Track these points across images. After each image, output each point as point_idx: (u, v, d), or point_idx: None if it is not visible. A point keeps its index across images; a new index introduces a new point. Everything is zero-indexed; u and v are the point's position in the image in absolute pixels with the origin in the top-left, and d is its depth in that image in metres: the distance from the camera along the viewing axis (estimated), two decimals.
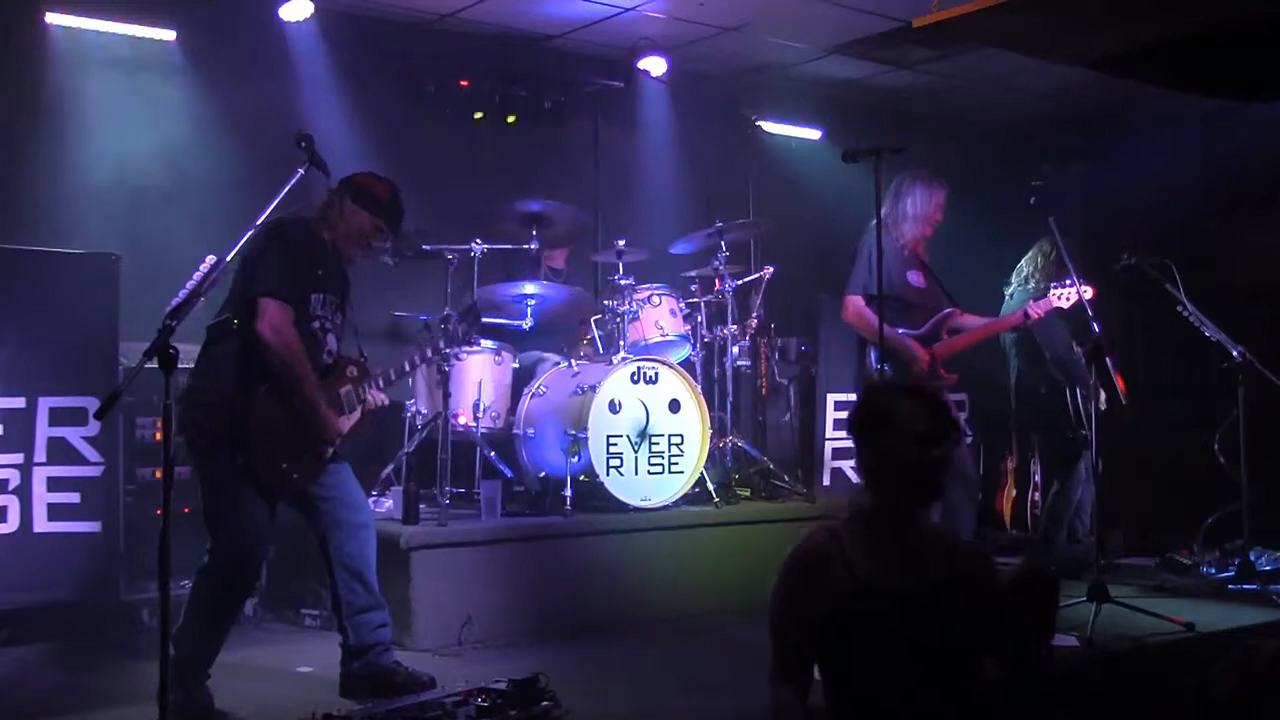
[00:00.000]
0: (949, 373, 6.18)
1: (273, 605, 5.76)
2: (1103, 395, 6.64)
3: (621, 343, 6.46)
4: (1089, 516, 6.93)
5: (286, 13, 6.71)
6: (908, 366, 5.84)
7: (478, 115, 7.63)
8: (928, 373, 5.93)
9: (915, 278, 6.05)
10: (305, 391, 4.30)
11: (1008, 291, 7.04)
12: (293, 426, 4.31)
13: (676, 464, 6.26)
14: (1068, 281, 6.05)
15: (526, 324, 6.53)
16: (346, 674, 4.47)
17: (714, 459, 6.63)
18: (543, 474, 6.23)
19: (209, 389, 4.29)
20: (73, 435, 5.20)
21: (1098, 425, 5.86)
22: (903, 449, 2.89)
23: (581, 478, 6.05)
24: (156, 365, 3.36)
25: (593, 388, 6.03)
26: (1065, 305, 6.12)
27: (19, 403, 5.11)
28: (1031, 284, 6.84)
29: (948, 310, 6.12)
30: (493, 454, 6.26)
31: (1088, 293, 5.97)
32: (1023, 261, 7.02)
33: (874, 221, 5.65)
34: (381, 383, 4.63)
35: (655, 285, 6.81)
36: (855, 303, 5.97)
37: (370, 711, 3.98)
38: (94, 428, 5.20)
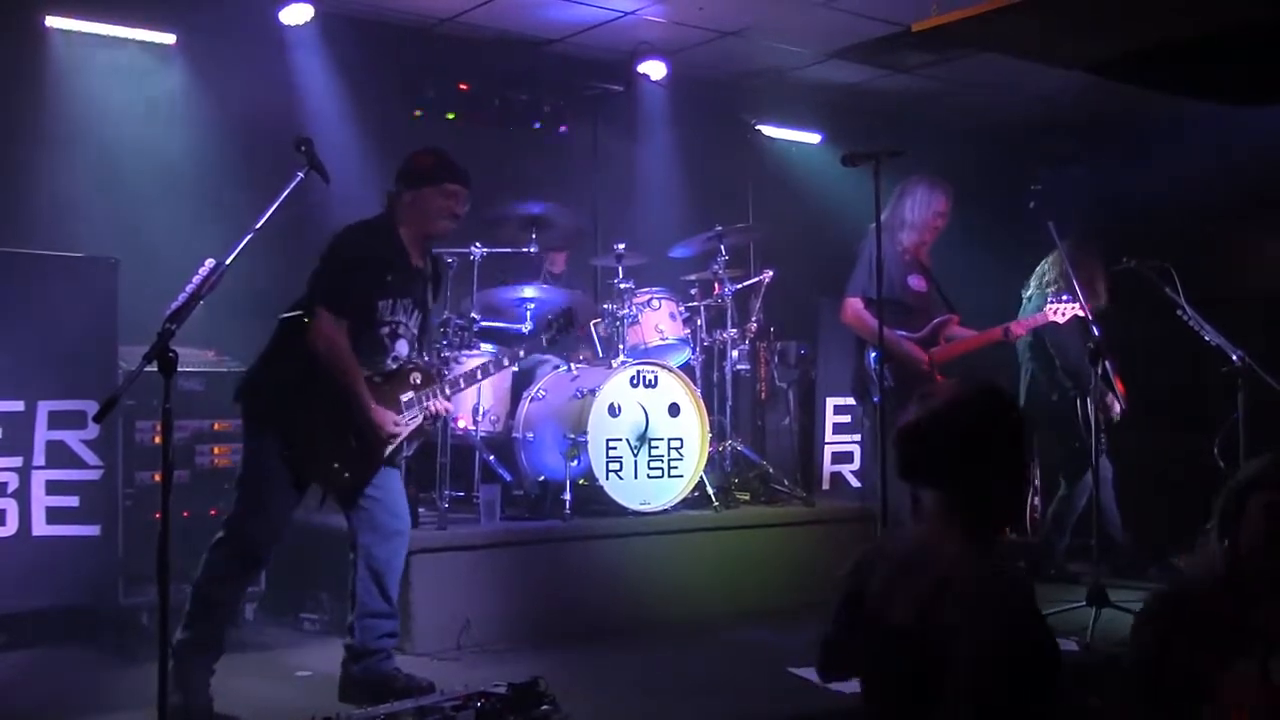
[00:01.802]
0: (943, 378, 6.19)
1: (272, 609, 5.76)
2: (1116, 404, 6.67)
3: (621, 346, 6.46)
4: (1114, 519, 6.98)
5: (287, 16, 6.71)
6: (908, 368, 5.84)
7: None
8: (926, 376, 5.93)
9: (916, 282, 6.06)
10: (355, 396, 4.35)
11: (1025, 294, 7.04)
12: (348, 428, 4.38)
13: (676, 468, 6.26)
14: (1064, 297, 6.06)
15: (526, 327, 6.53)
16: (346, 676, 4.49)
17: (713, 463, 6.62)
18: (542, 478, 6.22)
19: (275, 374, 4.39)
20: (72, 439, 5.20)
21: (1106, 432, 5.87)
22: (1016, 466, 2.60)
23: (581, 481, 6.05)
24: (156, 369, 3.36)
25: (592, 391, 6.03)
26: (1060, 320, 6.13)
27: (18, 406, 5.11)
28: (1050, 290, 6.84)
29: (946, 316, 6.13)
30: (492, 458, 6.25)
31: (1079, 311, 5.99)
32: (1044, 265, 7.01)
33: (874, 225, 5.65)
34: (448, 390, 4.66)
35: (655, 289, 6.81)
36: (854, 305, 5.98)
37: (369, 715, 3.97)
38: (93, 431, 5.20)
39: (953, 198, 6.12)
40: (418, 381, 4.58)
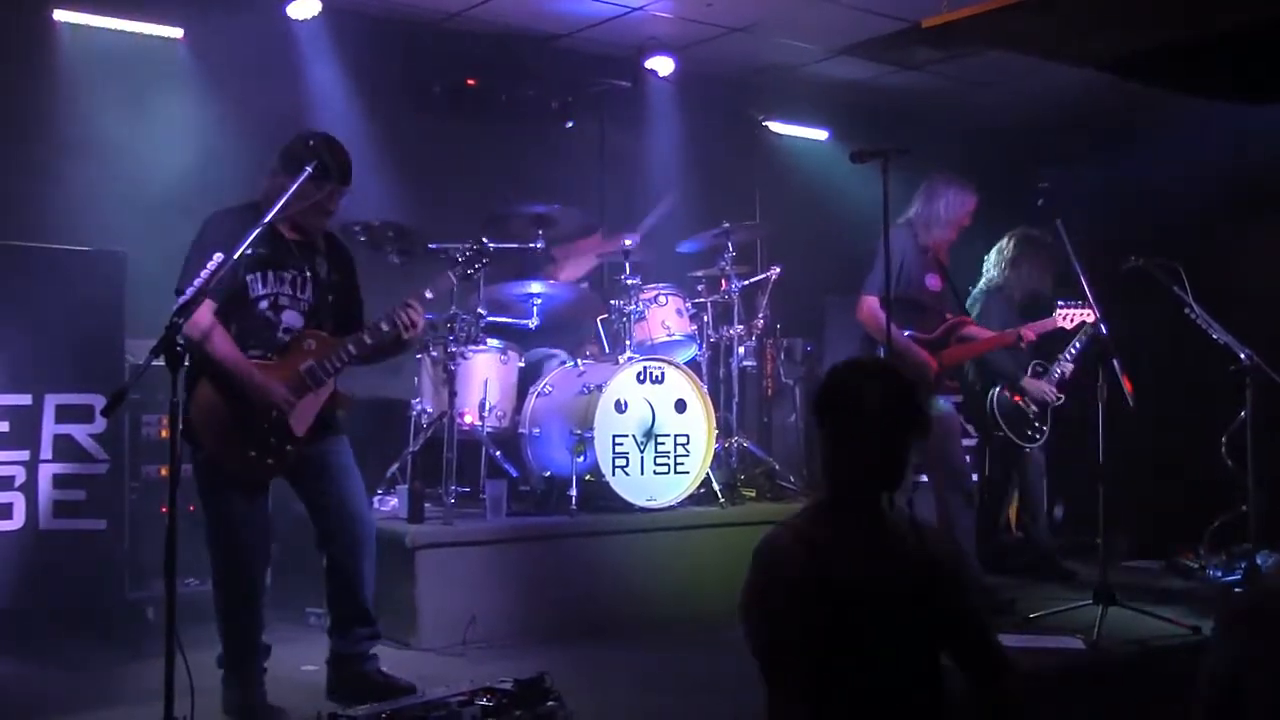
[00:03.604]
0: (951, 379, 6.19)
1: (278, 605, 5.75)
2: (1049, 394, 6.75)
3: (628, 342, 6.45)
4: (1039, 511, 7.19)
5: (294, 11, 6.71)
6: (916, 372, 5.82)
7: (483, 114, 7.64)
8: (934, 380, 5.93)
9: (933, 281, 6.05)
10: (236, 375, 4.21)
11: (982, 283, 7.11)
12: (242, 411, 4.26)
13: (682, 464, 6.25)
14: (1075, 302, 6.04)
15: (533, 323, 6.53)
16: (330, 676, 4.58)
17: (719, 459, 6.62)
18: (548, 473, 6.22)
19: (186, 383, 4.24)
20: (79, 432, 5.21)
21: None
22: (867, 433, 2.77)
23: (587, 477, 6.05)
24: (163, 363, 3.36)
25: (599, 387, 6.03)
26: (1069, 326, 6.13)
27: (25, 400, 5.12)
28: (983, 280, 7.02)
29: (960, 318, 6.12)
30: (498, 453, 6.25)
31: (1090, 316, 6.00)
32: (998, 250, 7.10)
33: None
34: (368, 338, 4.42)
35: (662, 285, 6.80)
36: (870, 303, 5.95)
37: (373, 712, 3.97)
38: (100, 425, 5.20)
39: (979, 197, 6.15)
40: (313, 347, 4.39)
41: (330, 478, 4.48)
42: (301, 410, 4.36)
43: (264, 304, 4.38)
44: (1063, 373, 6.91)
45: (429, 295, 4.55)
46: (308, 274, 4.46)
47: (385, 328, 4.42)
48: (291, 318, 4.43)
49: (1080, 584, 6.49)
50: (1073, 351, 6.86)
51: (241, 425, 4.27)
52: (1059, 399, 6.91)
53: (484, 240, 4.90)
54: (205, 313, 4.17)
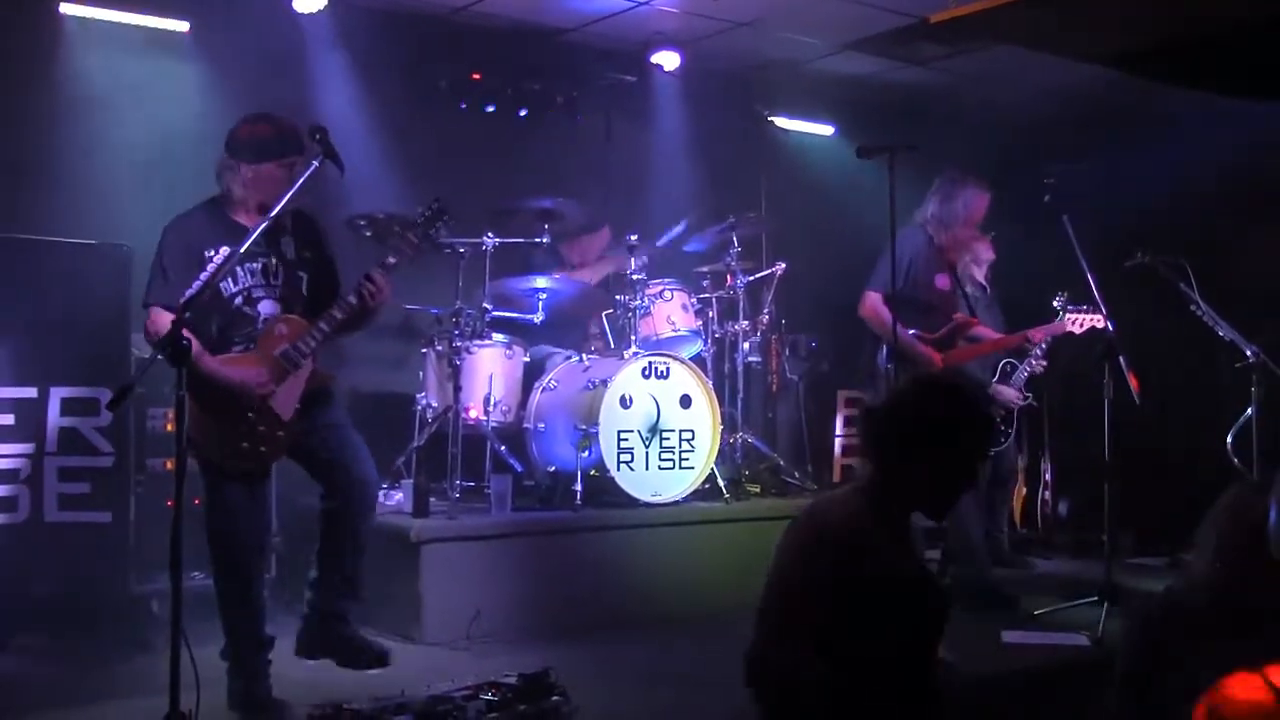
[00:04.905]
0: None
1: (281, 598, 5.75)
2: (1015, 397, 6.71)
3: (633, 338, 6.45)
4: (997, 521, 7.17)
5: (300, 4, 6.70)
6: (919, 369, 5.81)
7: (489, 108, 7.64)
8: None
9: (942, 281, 6.04)
10: (209, 373, 4.23)
11: None
12: (226, 406, 4.31)
13: (687, 459, 6.25)
14: (1084, 306, 6.01)
15: (538, 318, 6.52)
16: (304, 632, 4.74)
17: (724, 455, 6.62)
18: (553, 468, 6.22)
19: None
20: (84, 425, 5.19)
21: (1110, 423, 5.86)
22: (958, 466, 2.85)
23: (592, 472, 6.04)
24: (168, 356, 3.36)
25: (604, 382, 6.02)
26: (1078, 330, 6.10)
27: (31, 393, 5.11)
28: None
29: (967, 318, 6.11)
30: (503, 448, 6.25)
31: (1100, 322, 5.97)
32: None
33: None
34: (338, 313, 4.46)
35: (667, 280, 6.80)
36: (874, 299, 5.95)
37: (378, 705, 3.97)
38: (105, 418, 5.19)
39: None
40: (284, 332, 4.44)
41: (324, 439, 4.57)
42: (284, 394, 4.42)
43: (239, 300, 4.44)
44: (1030, 372, 6.84)
45: (391, 261, 4.60)
46: (274, 259, 4.50)
47: (353, 300, 4.48)
48: (268, 307, 4.48)
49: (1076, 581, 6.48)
50: (1043, 348, 6.72)
51: (228, 419, 4.33)
52: (1025, 400, 6.84)
53: (438, 200, 4.91)
54: (164, 319, 4.10)
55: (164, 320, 4.09)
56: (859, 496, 2.88)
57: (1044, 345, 6.56)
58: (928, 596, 2.89)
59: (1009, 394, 6.78)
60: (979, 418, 2.88)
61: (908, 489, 2.85)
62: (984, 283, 7.15)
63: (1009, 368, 6.90)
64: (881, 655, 2.80)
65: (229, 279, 4.39)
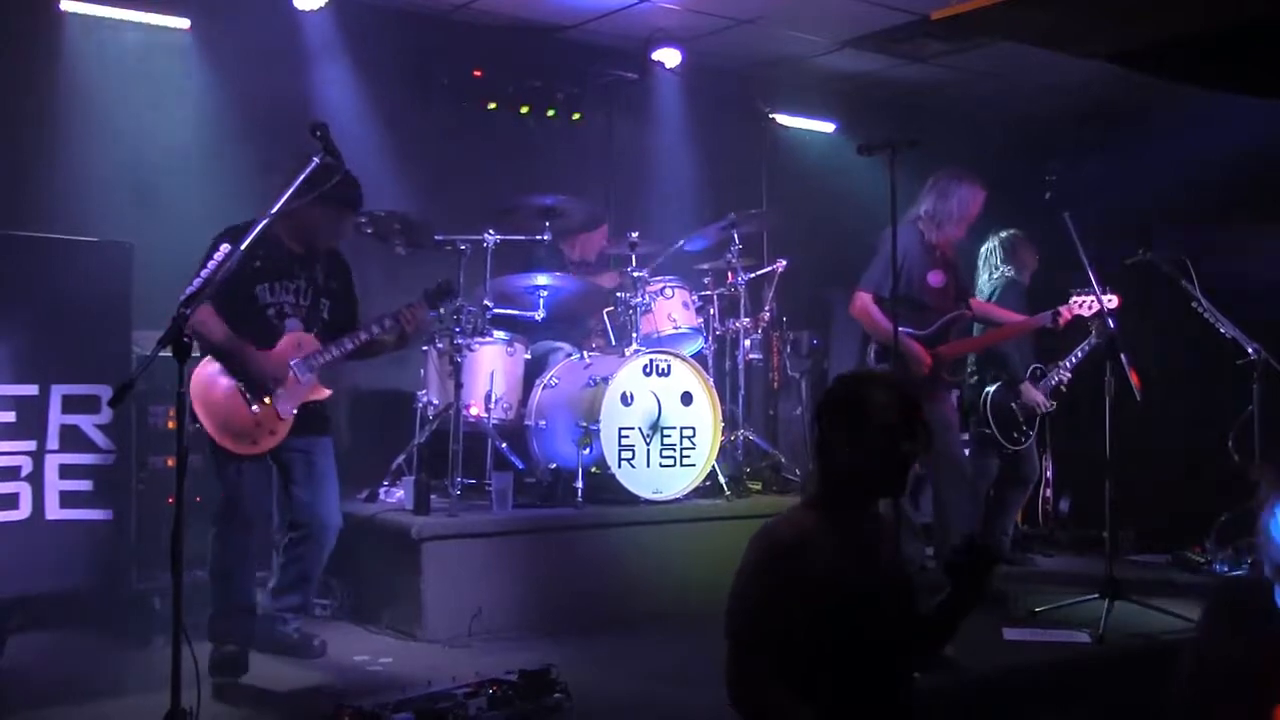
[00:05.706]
0: (952, 375, 6.17)
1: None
2: (1040, 399, 6.70)
3: (634, 335, 6.45)
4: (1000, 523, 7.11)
5: (301, 2, 6.69)
6: (909, 368, 5.80)
7: (490, 105, 7.65)
8: (929, 376, 5.90)
9: (935, 278, 6.03)
10: (231, 353, 4.69)
11: (979, 282, 7.06)
12: (241, 376, 4.72)
13: (688, 457, 6.25)
14: (1088, 290, 6.01)
15: (539, 315, 6.52)
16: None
17: (725, 452, 6.62)
18: (554, 466, 6.22)
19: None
20: (85, 423, 5.19)
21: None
22: (873, 442, 2.90)
23: (593, 470, 6.05)
24: (170, 353, 3.36)
25: (605, 380, 6.02)
26: (1087, 314, 6.10)
27: (32, 390, 5.10)
28: (999, 273, 7.06)
29: (958, 313, 6.10)
30: (504, 445, 6.25)
31: (1112, 301, 5.97)
32: (986, 250, 7.16)
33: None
34: (364, 335, 4.95)
35: (668, 278, 6.80)
36: (864, 299, 5.96)
37: (380, 703, 3.98)
38: (106, 415, 5.20)
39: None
40: (299, 344, 4.87)
41: (307, 479, 4.91)
42: (289, 393, 4.82)
43: (270, 311, 4.83)
44: (1059, 381, 6.88)
45: (390, 323, 5.04)
46: (307, 283, 4.92)
47: (389, 323, 4.99)
48: (293, 325, 4.88)
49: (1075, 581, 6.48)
50: (1074, 360, 6.83)
51: (244, 384, 4.73)
52: (1050, 407, 6.88)
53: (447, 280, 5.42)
54: (202, 310, 4.44)
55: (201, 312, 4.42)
56: (806, 509, 3.02)
57: (1076, 357, 6.66)
58: (878, 597, 2.92)
59: (1037, 396, 6.80)
60: (883, 393, 2.94)
61: (841, 479, 2.96)
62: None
63: (1038, 372, 6.91)
64: (840, 663, 2.84)
65: (266, 291, 4.81)
